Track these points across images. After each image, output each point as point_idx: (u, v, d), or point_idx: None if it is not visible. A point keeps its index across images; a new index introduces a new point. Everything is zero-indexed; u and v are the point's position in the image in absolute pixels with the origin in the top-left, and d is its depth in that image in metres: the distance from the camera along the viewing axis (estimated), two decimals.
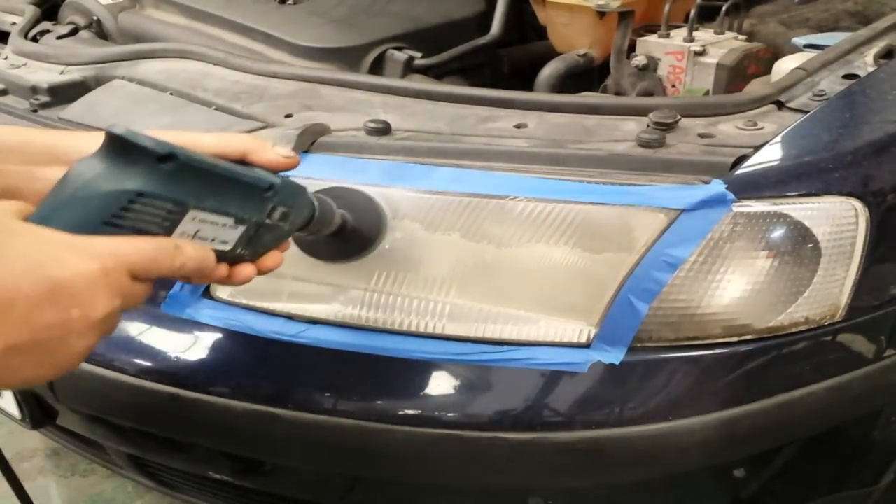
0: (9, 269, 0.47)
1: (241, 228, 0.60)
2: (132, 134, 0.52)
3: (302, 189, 0.66)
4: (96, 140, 0.59)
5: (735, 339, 0.81)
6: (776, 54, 1.24)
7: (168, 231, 0.55)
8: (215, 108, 1.06)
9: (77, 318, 0.49)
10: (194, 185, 0.55)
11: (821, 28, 1.34)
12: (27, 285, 0.47)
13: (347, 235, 0.78)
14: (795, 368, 0.84)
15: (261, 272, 0.65)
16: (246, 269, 0.64)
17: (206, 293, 0.90)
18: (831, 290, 0.83)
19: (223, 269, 0.61)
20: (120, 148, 0.52)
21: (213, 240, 0.59)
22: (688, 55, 1.26)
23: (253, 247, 0.63)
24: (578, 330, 0.80)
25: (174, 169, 0.53)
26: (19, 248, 0.48)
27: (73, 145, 0.62)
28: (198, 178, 0.55)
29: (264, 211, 0.61)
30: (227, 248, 0.60)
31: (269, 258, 0.66)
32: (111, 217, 0.52)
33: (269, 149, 0.64)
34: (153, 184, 0.53)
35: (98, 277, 0.50)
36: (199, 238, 0.57)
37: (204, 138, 0.63)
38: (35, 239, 0.49)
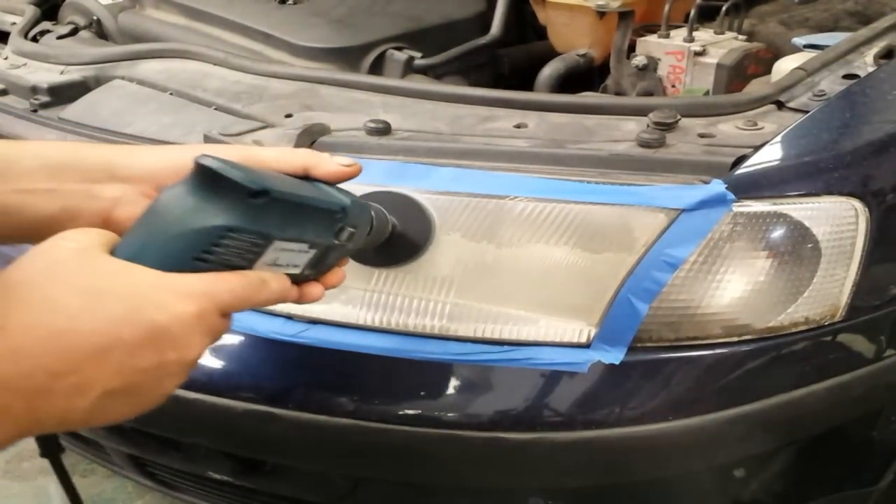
0: (108, 314, 0.46)
1: (312, 252, 0.59)
2: (225, 168, 0.51)
3: (366, 206, 0.66)
4: (154, 155, 0.58)
5: (735, 339, 0.81)
6: (776, 54, 1.24)
7: (250, 263, 0.54)
8: (215, 108, 1.06)
9: (173, 361, 0.49)
10: (279, 217, 0.54)
11: (821, 28, 1.34)
12: (127, 331, 0.46)
13: (396, 241, 0.76)
14: (795, 368, 0.84)
15: (327, 288, 0.64)
16: (315, 289, 0.63)
17: None
18: (831, 290, 0.83)
19: (294, 292, 0.61)
20: (210, 181, 0.51)
21: (286, 265, 0.58)
22: (688, 55, 1.26)
23: (318, 267, 0.62)
24: (578, 330, 0.80)
25: (263, 205, 0.52)
26: (118, 290, 0.47)
27: (131, 162, 0.60)
28: (283, 210, 0.54)
29: (334, 233, 0.61)
30: (297, 271, 0.60)
31: (334, 275, 0.65)
32: (201, 253, 0.51)
33: (329, 160, 0.63)
34: (243, 218, 0.52)
35: (194, 320, 0.49)
36: (276, 266, 0.57)
37: (265, 154, 0.61)
38: (131, 280, 0.48)
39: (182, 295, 0.49)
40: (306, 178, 0.62)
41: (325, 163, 0.62)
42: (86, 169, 0.59)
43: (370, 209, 0.67)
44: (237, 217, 0.51)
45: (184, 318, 0.49)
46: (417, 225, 0.80)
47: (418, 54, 1.35)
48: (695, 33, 1.27)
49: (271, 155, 0.61)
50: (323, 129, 0.93)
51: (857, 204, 0.83)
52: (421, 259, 0.81)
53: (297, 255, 0.58)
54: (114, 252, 0.50)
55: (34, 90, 1.19)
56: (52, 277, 0.46)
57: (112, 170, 0.59)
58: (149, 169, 0.59)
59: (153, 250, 0.50)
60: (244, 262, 0.54)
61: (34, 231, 0.56)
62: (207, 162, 0.51)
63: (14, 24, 1.50)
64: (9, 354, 0.44)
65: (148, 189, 0.59)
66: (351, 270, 0.84)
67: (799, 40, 1.21)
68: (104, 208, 0.53)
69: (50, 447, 0.69)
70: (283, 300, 0.58)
